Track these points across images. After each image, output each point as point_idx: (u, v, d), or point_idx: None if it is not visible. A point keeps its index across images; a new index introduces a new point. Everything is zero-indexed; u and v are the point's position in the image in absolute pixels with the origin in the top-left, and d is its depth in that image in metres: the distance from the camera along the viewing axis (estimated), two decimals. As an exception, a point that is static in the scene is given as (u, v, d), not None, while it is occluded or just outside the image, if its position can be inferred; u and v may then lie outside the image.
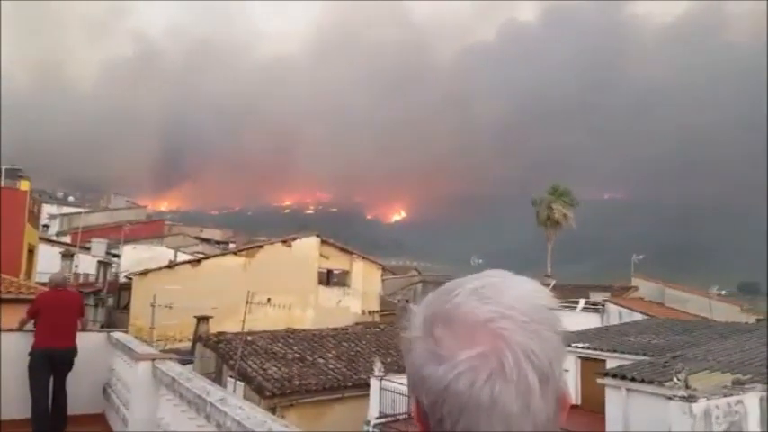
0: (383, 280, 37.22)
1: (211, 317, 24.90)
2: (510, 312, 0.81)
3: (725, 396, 11.59)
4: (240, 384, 18.61)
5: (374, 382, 18.70)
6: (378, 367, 18.78)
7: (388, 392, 18.35)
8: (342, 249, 34.19)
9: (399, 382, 17.42)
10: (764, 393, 11.98)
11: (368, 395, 18.94)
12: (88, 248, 40.97)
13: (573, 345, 21.73)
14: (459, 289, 0.85)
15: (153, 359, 6.24)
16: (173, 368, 5.66)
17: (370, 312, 33.18)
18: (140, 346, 7.85)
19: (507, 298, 0.83)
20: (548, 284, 33.76)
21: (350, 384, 20.17)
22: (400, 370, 18.88)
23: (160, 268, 30.13)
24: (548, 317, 0.84)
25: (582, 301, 33.13)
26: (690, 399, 11.06)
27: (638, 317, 29.70)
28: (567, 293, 34.79)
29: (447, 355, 0.79)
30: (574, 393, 21.52)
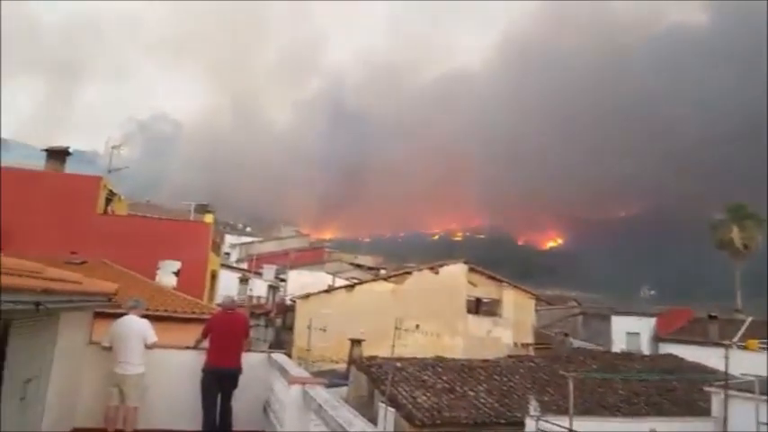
0: (537, 310, 35.90)
1: (364, 340, 25.56)
2: None
3: None
4: (391, 411, 18.76)
5: (530, 422, 17.47)
6: (533, 406, 17.69)
7: (545, 435, 17.26)
8: (490, 277, 33.61)
9: (558, 424, 16.46)
10: None
11: (521, 435, 17.92)
12: (260, 273, 44.63)
13: None
14: None
15: (304, 383, 6.46)
16: (320, 394, 5.84)
17: (523, 345, 32.02)
18: (294, 368, 8.07)
19: None
20: (740, 321, 29.50)
21: (502, 421, 19.26)
22: (559, 410, 17.86)
23: (319, 292, 31.77)
24: None
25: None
26: None
27: None
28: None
29: None
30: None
